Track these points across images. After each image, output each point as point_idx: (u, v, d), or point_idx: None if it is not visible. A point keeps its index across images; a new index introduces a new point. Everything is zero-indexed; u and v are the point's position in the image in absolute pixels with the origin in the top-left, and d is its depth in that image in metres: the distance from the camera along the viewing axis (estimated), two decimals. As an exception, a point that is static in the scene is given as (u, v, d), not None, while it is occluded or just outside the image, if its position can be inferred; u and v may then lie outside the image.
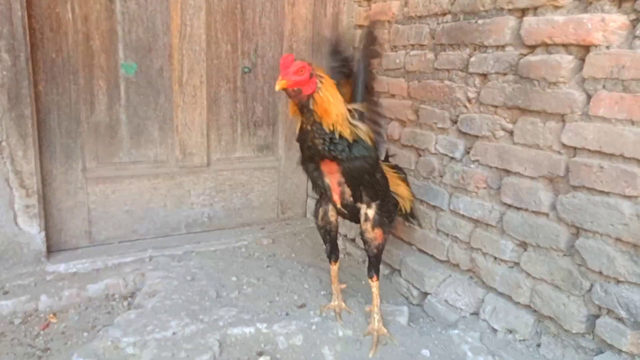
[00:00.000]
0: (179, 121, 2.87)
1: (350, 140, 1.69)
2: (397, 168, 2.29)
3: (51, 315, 2.18)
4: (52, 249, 2.57)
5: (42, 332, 2.07)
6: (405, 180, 2.26)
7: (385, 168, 2.07)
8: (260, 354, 1.85)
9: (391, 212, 2.00)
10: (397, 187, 2.12)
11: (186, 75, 2.83)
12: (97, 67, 2.58)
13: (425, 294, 2.39)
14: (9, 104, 2.24)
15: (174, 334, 1.92)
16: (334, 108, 1.64)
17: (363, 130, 1.74)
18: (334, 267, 2.17)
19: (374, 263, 2.00)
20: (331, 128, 1.65)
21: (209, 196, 3.07)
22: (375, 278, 2.01)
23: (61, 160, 2.57)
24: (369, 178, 1.82)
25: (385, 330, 1.99)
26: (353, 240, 3.04)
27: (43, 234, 2.44)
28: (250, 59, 3.03)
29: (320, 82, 1.63)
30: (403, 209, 2.16)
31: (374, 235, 1.93)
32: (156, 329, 1.94)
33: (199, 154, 2.97)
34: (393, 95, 2.74)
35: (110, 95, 2.65)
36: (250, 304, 2.23)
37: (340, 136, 1.66)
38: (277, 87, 1.57)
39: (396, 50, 2.71)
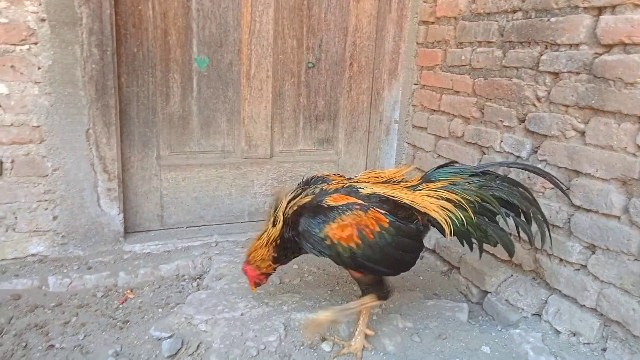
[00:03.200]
0: (245, 114, 2.99)
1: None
2: (483, 174, 1.82)
3: (128, 291, 2.36)
4: (128, 230, 2.76)
5: (121, 306, 2.24)
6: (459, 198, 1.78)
7: (433, 186, 1.80)
8: (323, 339, 1.92)
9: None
10: (431, 212, 1.77)
11: (254, 69, 2.94)
12: (172, 61, 2.74)
13: (485, 292, 2.39)
14: (96, 94, 2.42)
15: (242, 314, 2.04)
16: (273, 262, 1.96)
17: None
18: None
19: (363, 290, 1.88)
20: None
21: (271, 187, 3.18)
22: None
23: (138, 147, 2.75)
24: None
25: (361, 355, 1.84)
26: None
27: (121, 215, 2.63)
28: (315, 54, 3.10)
29: (258, 267, 1.98)
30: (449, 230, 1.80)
31: (350, 270, 1.86)
32: (225, 309, 2.07)
33: (263, 146, 3.09)
34: (457, 92, 2.74)
35: (184, 87, 2.80)
36: (311, 291, 2.31)
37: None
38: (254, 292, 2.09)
39: (462, 47, 2.70)
